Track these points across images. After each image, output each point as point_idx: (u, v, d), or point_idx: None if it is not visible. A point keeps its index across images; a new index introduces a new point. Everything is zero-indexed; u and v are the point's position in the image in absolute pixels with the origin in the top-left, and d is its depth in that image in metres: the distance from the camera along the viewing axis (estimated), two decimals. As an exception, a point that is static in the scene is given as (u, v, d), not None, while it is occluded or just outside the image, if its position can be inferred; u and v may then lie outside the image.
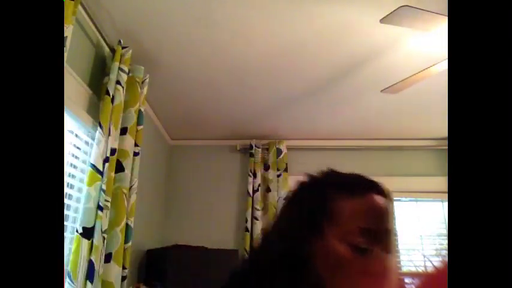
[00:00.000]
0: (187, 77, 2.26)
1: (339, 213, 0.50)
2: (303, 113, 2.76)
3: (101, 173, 1.56)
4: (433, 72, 1.80)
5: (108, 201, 1.61)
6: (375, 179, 0.59)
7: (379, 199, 0.53)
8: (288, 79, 2.28)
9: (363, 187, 0.55)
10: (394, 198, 3.16)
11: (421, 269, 2.86)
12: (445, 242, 3.01)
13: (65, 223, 1.57)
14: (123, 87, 1.78)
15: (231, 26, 1.79)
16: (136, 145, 1.94)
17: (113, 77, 1.71)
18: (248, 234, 2.85)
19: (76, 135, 1.68)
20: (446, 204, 3.21)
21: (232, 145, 3.28)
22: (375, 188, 0.55)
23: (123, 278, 1.76)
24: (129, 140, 1.85)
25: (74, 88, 1.58)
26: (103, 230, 1.57)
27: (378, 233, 0.49)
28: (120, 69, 1.77)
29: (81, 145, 1.71)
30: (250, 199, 2.96)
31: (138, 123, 1.96)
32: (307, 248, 0.47)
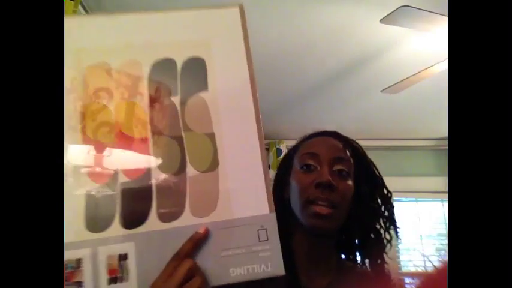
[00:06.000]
0: (187, 77, 2.26)
1: (299, 151, 0.80)
2: (303, 113, 2.76)
3: (101, 173, 1.56)
4: (433, 72, 1.80)
5: (108, 201, 1.61)
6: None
7: (323, 137, 0.79)
8: (287, 79, 2.28)
9: (317, 134, 0.82)
10: (394, 198, 3.18)
11: (421, 269, 2.86)
12: (445, 242, 3.01)
13: (65, 223, 1.56)
14: (123, 87, 1.78)
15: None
16: (136, 145, 1.94)
17: (113, 77, 1.71)
18: (248, 234, 2.85)
19: (76, 135, 1.67)
20: (446, 204, 3.21)
21: (232, 145, 3.28)
22: (326, 133, 0.80)
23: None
24: (129, 140, 1.85)
25: (74, 88, 1.58)
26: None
27: (320, 155, 0.73)
28: (120, 69, 1.76)
29: (81, 145, 1.70)
30: (250, 199, 2.95)
31: (138, 123, 1.96)
32: (287, 175, 0.79)
